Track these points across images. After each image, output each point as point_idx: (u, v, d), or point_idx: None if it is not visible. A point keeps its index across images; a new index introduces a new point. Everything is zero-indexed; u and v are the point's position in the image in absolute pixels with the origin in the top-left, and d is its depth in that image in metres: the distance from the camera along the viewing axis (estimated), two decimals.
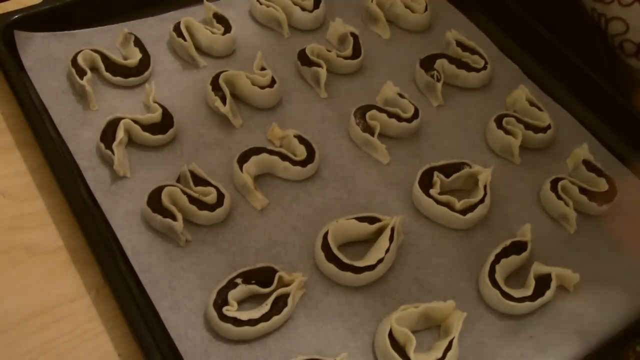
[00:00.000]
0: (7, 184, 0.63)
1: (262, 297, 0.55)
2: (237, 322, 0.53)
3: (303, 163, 0.65)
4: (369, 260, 0.58)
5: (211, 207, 0.60)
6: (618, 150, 0.72)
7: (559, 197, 0.65)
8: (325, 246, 0.58)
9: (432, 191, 0.64)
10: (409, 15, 0.81)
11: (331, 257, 0.58)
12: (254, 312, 0.54)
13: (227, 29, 0.75)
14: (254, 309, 0.55)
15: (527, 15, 0.81)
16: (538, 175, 0.69)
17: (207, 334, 0.54)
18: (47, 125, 0.65)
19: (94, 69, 0.70)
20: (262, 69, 0.71)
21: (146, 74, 0.71)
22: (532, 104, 0.73)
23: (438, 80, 0.74)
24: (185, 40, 0.72)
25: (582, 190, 0.66)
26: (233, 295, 0.55)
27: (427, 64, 0.75)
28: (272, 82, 0.70)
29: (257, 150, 0.64)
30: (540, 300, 0.58)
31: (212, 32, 0.74)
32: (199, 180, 0.62)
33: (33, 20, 0.72)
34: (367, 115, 0.69)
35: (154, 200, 0.59)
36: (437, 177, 0.64)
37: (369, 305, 0.58)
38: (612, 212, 0.54)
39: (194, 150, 0.66)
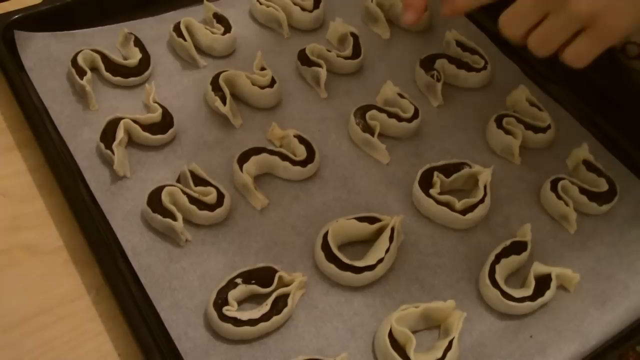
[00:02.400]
0: (7, 184, 0.63)
1: (262, 297, 0.55)
2: (237, 322, 0.53)
3: (303, 163, 0.65)
4: (369, 260, 0.58)
5: (211, 207, 0.60)
6: (618, 150, 0.72)
7: (559, 197, 0.65)
8: (325, 246, 0.58)
9: (432, 191, 0.63)
10: None
11: (331, 257, 0.58)
12: (254, 312, 0.54)
13: (227, 29, 0.75)
14: (254, 309, 0.55)
15: None
16: (538, 175, 0.69)
17: (207, 334, 0.54)
18: (47, 125, 0.65)
19: (94, 69, 0.71)
20: (262, 69, 0.71)
21: (146, 74, 0.71)
22: (532, 104, 0.73)
23: (438, 80, 0.74)
24: (185, 40, 0.72)
25: (582, 191, 0.66)
26: (233, 295, 0.55)
27: (427, 64, 0.75)
28: (272, 82, 0.70)
29: (257, 150, 0.64)
30: (540, 300, 0.58)
31: (212, 32, 0.74)
32: (199, 180, 0.62)
33: (33, 20, 0.72)
34: (367, 115, 0.69)
35: (154, 200, 0.59)
36: (437, 177, 0.64)
37: (369, 305, 0.58)
38: None
39: (194, 150, 0.66)
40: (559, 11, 0.53)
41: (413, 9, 0.60)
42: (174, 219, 0.58)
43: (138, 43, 0.72)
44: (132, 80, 0.70)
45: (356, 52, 0.76)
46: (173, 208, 0.59)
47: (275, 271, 0.56)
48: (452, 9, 0.58)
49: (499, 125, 0.70)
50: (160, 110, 0.66)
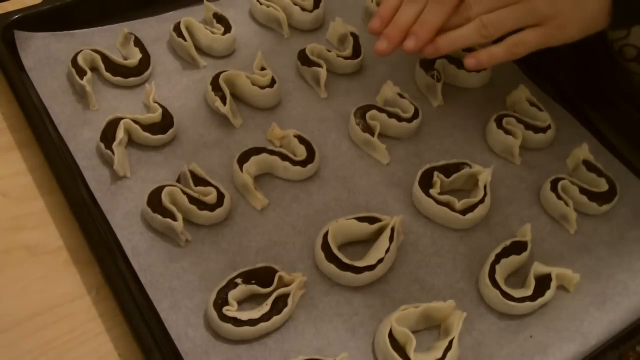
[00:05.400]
0: (7, 184, 0.63)
1: (262, 297, 0.55)
2: (237, 322, 0.53)
3: (303, 163, 0.65)
4: (369, 260, 0.58)
5: (211, 207, 0.60)
6: (618, 150, 0.72)
7: (559, 197, 0.65)
8: (325, 246, 0.58)
9: (432, 191, 0.63)
10: None
11: (331, 257, 0.58)
12: (254, 312, 0.54)
13: (227, 29, 0.75)
14: (254, 309, 0.55)
15: None
16: (538, 175, 0.69)
17: (207, 334, 0.54)
18: (47, 125, 0.65)
19: (94, 69, 0.71)
20: (262, 69, 0.71)
21: (146, 74, 0.71)
22: (532, 104, 0.73)
23: (438, 81, 0.74)
24: (185, 40, 0.72)
25: (582, 191, 0.66)
26: (233, 295, 0.55)
27: (427, 63, 0.75)
28: (272, 82, 0.70)
29: (257, 150, 0.64)
30: (540, 300, 0.58)
31: (212, 32, 0.74)
32: (199, 180, 0.62)
33: (33, 20, 0.72)
34: (367, 115, 0.69)
35: (154, 200, 0.59)
36: (437, 177, 0.64)
37: (369, 305, 0.58)
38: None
39: (194, 150, 0.66)
40: (520, 3, 0.61)
41: (389, 40, 0.64)
42: (174, 219, 0.58)
43: (138, 43, 0.72)
44: (132, 80, 0.70)
45: (356, 52, 0.76)
46: (173, 208, 0.59)
47: (275, 271, 0.56)
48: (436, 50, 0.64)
49: (499, 125, 0.70)
50: (160, 110, 0.66)
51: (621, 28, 0.70)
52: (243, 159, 0.63)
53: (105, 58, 0.70)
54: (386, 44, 0.65)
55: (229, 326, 0.53)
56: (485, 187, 0.64)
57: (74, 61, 0.69)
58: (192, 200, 0.60)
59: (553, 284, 0.59)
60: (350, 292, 0.58)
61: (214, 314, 0.53)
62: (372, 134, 0.68)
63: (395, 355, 0.52)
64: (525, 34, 0.62)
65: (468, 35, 0.63)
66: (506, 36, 0.63)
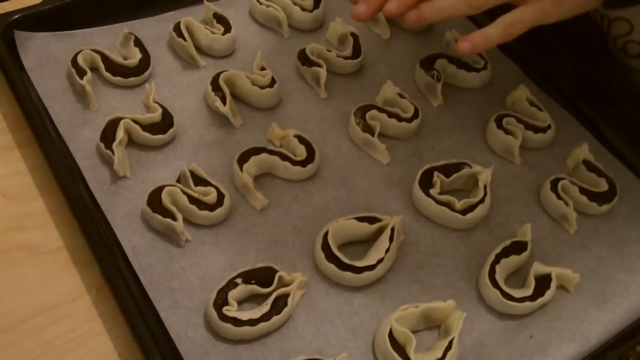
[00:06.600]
0: (7, 184, 0.63)
1: (262, 297, 0.55)
2: (237, 322, 0.53)
3: (303, 163, 0.65)
4: (369, 260, 0.58)
5: (211, 207, 0.60)
6: (618, 150, 0.72)
7: (559, 197, 0.65)
8: (325, 246, 0.58)
9: (432, 191, 0.64)
10: None
11: (331, 257, 0.58)
12: (254, 312, 0.54)
13: (227, 29, 0.75)
14: (254, 309, 0.55)
15: None
16: (538, 175, 0.69)
17: (207, 334, 0.54)
18: (47, 125, 0.65)
19: (94, 69, 0.71)
20: (262, 69, 0.71)
21: (146, 74, 0.71)
22: (532, 104, 0.73)
23: (438, 80, 0.74)
24: (185, 40, 0.72)
25: (582, 191, 0.66)
26: (233, 295, 0.55)
27: (427, 63, 0.75)
28: (272, 82, 0.70)
29: (257, 150, 0.64)
30: (540, 300, 0.58)
31: (212, 32, 0.74)
32: (199, 180, 0.62)
33: (33, 20, 0.72)
34: (367, 115, 0.69)
35: (154, 200, 0.59)
36: (437, 177, 0.64)
37: (369, 305, 0.58)
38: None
39: (194, 150, 0.66)
40: None
41: (368, 3, 0.60)
42: (174, 219, 0.58)
43: (138, 43, 0.72)
44: (132, 80, 0.70)
45: (356, 52, 0.76)
46: (173, 208, 0.59)
47: (275, 271, 0.57)
48: (420, 17, 0.59)
49: (499, 125, 0.70)
50: (160, 110, 0.66)
51: (615, 7, 0.68)
52: (243, 159, 0.63)
53: (105, 58, 0.70)
54: (365, 7, 0.60)
55: (229, 326, 0.53)
56: (485, 187, 0.64)
57: (74, 61, 0.69)
58: (192, 200, 0.60)
59: (553, 284, 0.59)
60: (350, 292, 0.58)
61: (214, 314, 0.53)
62: (372, 134, 0.68)
63: (395, 355, 0.52)
64: (521, 11, 0.59)
65: (456, 4, 0.58)
66: (496, 14, 0.60)
